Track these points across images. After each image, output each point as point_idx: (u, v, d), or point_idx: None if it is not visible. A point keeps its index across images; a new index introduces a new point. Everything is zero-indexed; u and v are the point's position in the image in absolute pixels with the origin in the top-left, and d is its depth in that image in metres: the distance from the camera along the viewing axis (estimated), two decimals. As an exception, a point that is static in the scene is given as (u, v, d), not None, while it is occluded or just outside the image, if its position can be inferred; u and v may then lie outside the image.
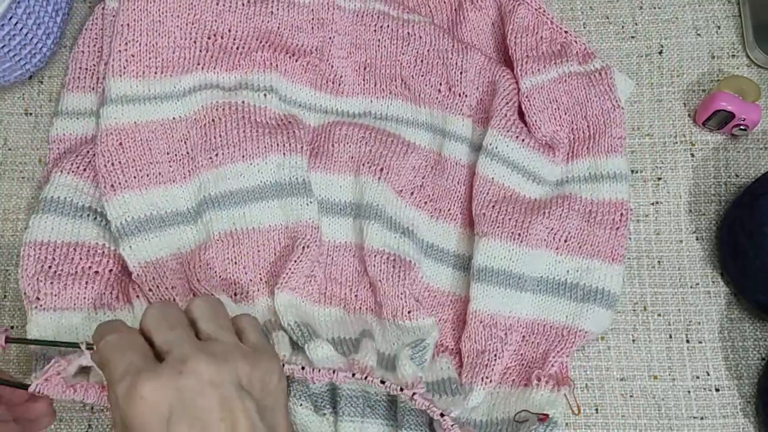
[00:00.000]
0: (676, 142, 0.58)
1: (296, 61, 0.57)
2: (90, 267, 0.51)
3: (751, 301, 0.53)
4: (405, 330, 0.50)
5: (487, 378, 0.50)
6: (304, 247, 0.52)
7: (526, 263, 0.52)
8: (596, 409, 0.53)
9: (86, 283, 0.51)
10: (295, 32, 0.57)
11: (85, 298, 0.51)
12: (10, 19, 0.52)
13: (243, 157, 0.53)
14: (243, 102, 0.55)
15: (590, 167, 0.55)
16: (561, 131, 0.56)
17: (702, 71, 0.59)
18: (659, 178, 0.57)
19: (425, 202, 0.55)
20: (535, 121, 0.55)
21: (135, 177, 0.52)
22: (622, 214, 0.53)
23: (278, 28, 0.57)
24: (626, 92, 0.57)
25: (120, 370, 0.36)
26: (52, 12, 0.55)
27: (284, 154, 0.54)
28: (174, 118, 0.54)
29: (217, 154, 0.53)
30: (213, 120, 0.54)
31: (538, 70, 0.56)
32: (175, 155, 0.54)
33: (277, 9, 0.57)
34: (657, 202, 0.57)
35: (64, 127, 0.56)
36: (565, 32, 0.57)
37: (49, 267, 0.51)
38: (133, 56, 0.54)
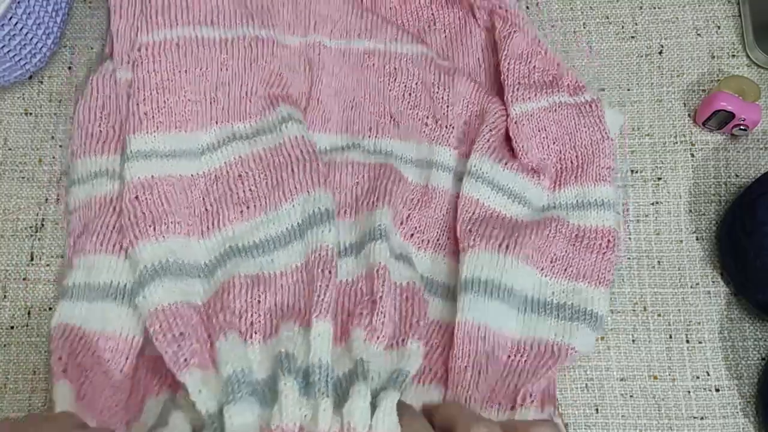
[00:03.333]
0: (676, 142, 0.58)
1: (294, 100, 0.57)
2: (113, 367, 0.50)
3: (751, 301, 0.53)
4: (392, 357, 0.49)
5: (471, 397, 0.48)
6: (324, 272, 0.50)
7: (513, 276, 0.51)
8: (596, 409, 0.53)
9: (111, 385, 0.49)
10: (292, 74, 0.57)
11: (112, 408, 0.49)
12: (10, 19, 0.52)
13: (275, 206, 0.53)
14: (264, 149, 0.54)
15: (578, 195, 0.54)
16: (548, 159, 0.55)
17: (702, 71, 0.59)
18: (659, 178, 0.57)
19: (412, 234, 0.55)
20: (523, 147, 0.55)
21: (152, 226, 0.52)
22: (609, 240, 0.53)
23: (278, 69, 0.57)
24: (616, 126, 0.57)
25: None
26: (52, 12, 0.55)
27: (309, 191, 0.53)
28: (193, 176, 0.54)
29: (248, 207, 0.53)
30: (240, 175, 0.54)
31: (529, 98, 0.56)
32: (194, 210, 0.53)
33: (277, 49, 0.57)
34: (657, 202, 0.57)
35: (80, 193, 0.54)
36: (558, 64, 0.57)
37: (78, 366, 0.49)
38: (146, 114, 0.54)
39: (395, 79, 0.58)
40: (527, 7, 0.61)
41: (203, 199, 0.54)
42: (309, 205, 0.53)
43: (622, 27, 0.60)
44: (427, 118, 0.57)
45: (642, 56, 0.60)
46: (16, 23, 0.52)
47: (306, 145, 0.55)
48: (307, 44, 0.58)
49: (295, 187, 0.53)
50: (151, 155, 0.53)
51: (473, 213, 0.53)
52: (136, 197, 0.52)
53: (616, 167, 0.56)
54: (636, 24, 0.60)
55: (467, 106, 0.57)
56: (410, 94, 0.58)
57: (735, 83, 0.56)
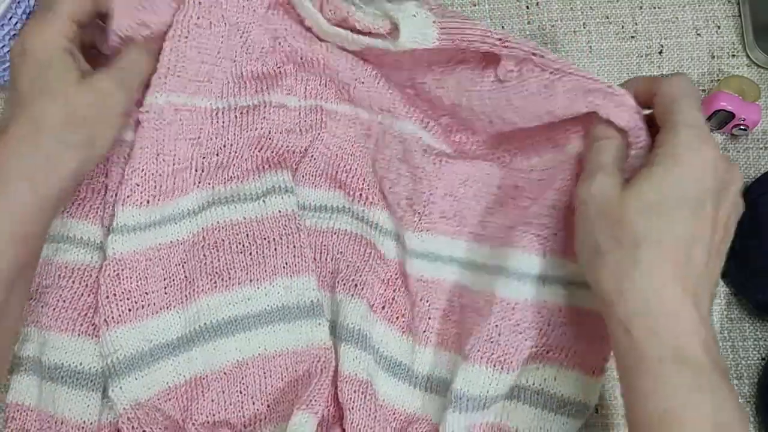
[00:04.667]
0: (676, 142, 0.58)
1: (285, 159, 0.56)
2: None
3: (751, 301, 0.53)
4: None
5: None
6: (322, 370, 0.51)
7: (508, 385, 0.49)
8: (596, 409, 0.53)
9: None
10: (285, 134, 0.56)
11: None
12: (10, 19, 0.52)
13: (251, 281, 0.52)
14: (244, 218, 0.53)
15: (566, 272, 0.49)
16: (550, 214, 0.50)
17: (702, 71, 0.59)
18: (659, 178, 0.57)
19: (397, 317, 0.53)
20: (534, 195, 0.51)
21: (130, 310, 0.50)
22: (603, 325, 0.48)
23: (269, 131, 0.55)
24: None
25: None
26: (52, 12, 0.55)
27: (291, 276, 0.53)
28: (172, 242, 0.52)
29: (221, 278, 0.52)
30: (216, 242, 0.53)
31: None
32: (172, 280, 0.52)
33: (269, 113, 0.55)
34: (657, 202, 0.57)
35: (43, 249, 0.52)
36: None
37: None
38: (137, 185, 0.51)
39: (381, 152, 0.55)
40: (527, 7, 0.61)
41: (182, 266, 0.52)
42: (292, 294, 0.53)
43: (622, 27, 0.60)
44: (403, 200, 0.54)
45: (642, 56, 0.60)
46: (16, 23, 0.52)
47: (290, 221, 0.53)
48: (308, 107, 0.56)
49: (276, 269, 0.53)
50: (136, 229, 0.51)
51: (458, 300, 0.51)
52: (117, 275, 0.50)
53: None
54: (636, 24, 0.60)
55: (448, 193, 0.54)
56: (392, 171, 0.55)
57: (735, 83, 0.56)
